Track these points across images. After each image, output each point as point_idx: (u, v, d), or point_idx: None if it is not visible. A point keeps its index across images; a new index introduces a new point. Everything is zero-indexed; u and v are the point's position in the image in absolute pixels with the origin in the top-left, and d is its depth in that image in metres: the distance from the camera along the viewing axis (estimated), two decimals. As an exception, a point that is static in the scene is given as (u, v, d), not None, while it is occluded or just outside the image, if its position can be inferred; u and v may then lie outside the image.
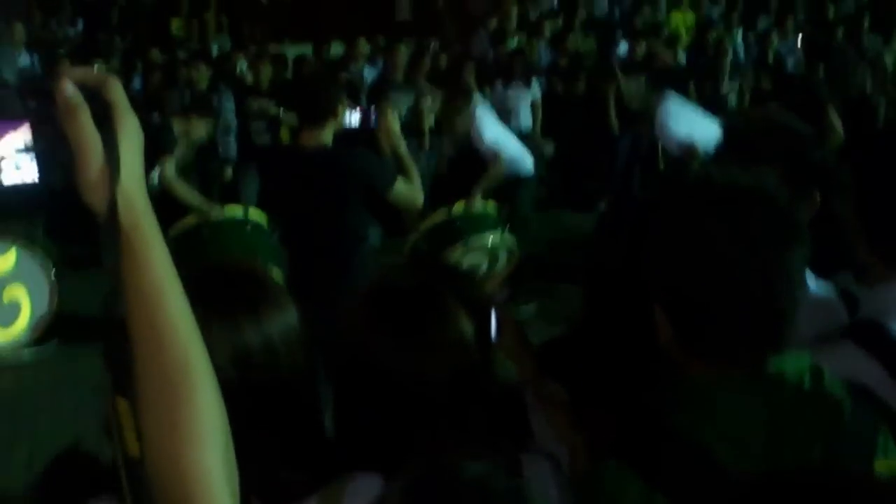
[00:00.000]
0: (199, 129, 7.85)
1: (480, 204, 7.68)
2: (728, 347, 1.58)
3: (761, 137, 2.46)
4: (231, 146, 9.89)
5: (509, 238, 7.63)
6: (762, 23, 15.13)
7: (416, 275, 1.78)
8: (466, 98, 8.36)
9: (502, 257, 7.64)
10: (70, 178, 1.23)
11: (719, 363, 1.59)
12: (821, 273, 2.33)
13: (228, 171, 9.29)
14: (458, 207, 7.57)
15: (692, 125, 8.51)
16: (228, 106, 9.90)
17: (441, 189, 9.12)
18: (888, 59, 12.70)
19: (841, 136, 8.57)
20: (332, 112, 4.74)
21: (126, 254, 1.22)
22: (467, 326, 1.67)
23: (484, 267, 7.54)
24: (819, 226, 2.27)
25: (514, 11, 14.17)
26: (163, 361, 1.21)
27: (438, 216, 7.48)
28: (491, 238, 7.51)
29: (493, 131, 8.34)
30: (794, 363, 1.60)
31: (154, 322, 1.22)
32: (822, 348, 1.85)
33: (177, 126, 7.59)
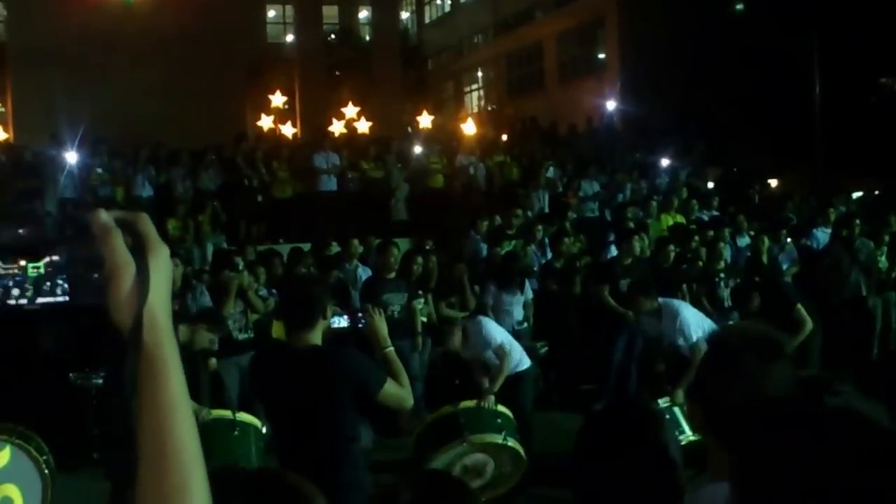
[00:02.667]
0: (204, 340, 7.81)
1: (492, 403, 7.72)
2: None
3: (740, 352, 2.44)
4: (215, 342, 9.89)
5: (514, 443, 7.55)
6: (752, 226, 15.37)
7: (415, 490, 1.77)
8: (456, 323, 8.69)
9: (506, 460, 7.53)
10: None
11: None
12: None
13: (213, 362, 9.27)
14: (467, 403, 7.60)
15: (700, 328, 8.69)
16: (204, 300, 9.91)
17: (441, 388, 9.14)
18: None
19: (807, 328, 9.35)
20: (320, 314, 4.73)
21: (145, 370, 1.31)
22: None
23: (489, 470, 7.44)
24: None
25: (519, 214, 14.47)
26: (166, 478, 1.27)
27: (444, 410, 7.48)
28: (495, 439, 7.43)
29: (499, 333, 8.53)
30: None
31: (163, 438, 1.29)
32: None
33: (182, 332, 7.49)
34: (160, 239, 1.38)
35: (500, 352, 8.22)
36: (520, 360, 8.54)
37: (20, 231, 1.48)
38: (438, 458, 7.32)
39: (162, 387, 1.30)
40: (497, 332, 8.50)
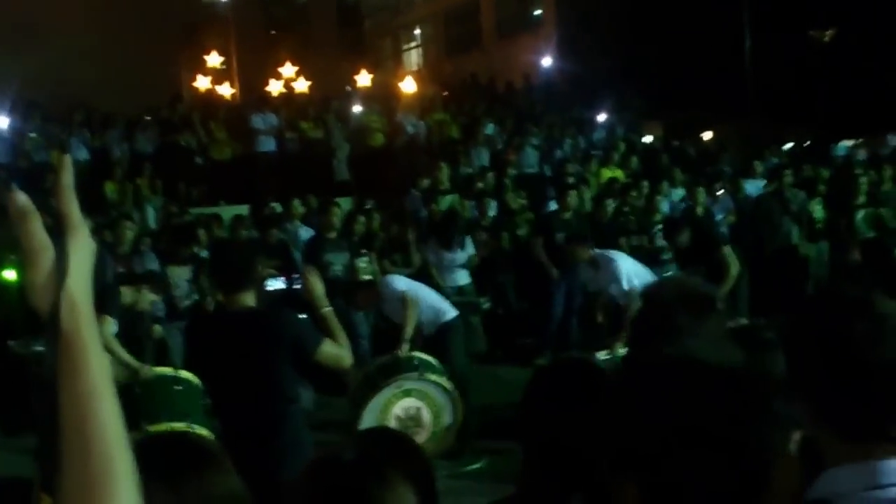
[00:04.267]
0: (146, 301, 8.06)
1: (406, 351, 7.80)
2: None
3: (675, 309, 2.48)
4: (158, 305, 9.87)
5: (436, 377, 7.65)
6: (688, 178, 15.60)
7: (359, 448, 1.76)
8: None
9: (439, 398, 7.61)
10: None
11: None
12: None
13: (157, 328, 9.28)
14: (382, 358, 7.68)
15: (636, 276, 8.85)
16: (151, 263, 9.93)
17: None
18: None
19: (733, 271, 9.49)
20: (252, 276, 4.74)
21: (64, 355, 1.25)
22: (410, 493, 1.66)
23: (425, 416, 7.51)
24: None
25: (446, 171, 14.52)
26: (89, 464, 1.22)
27: (387, 357, 7.56)
28: (410, 376, 7.53)
29: (402, 283, 8.53)
30: None
31: (84, 424, 1.23)
32: None
33: (126, 294, 7.69)
34: (81, 219, 1.32)
35: (405, 300, 8.16)
36: (438, 310, 8.48)
37: None
38: (364, 414, 7.35)
39: (82, 373, 1.25)
40: (399, 284, 8.47)
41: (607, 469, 1.57)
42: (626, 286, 8.72)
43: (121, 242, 9.97)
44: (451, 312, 8.58)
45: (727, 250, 9.84)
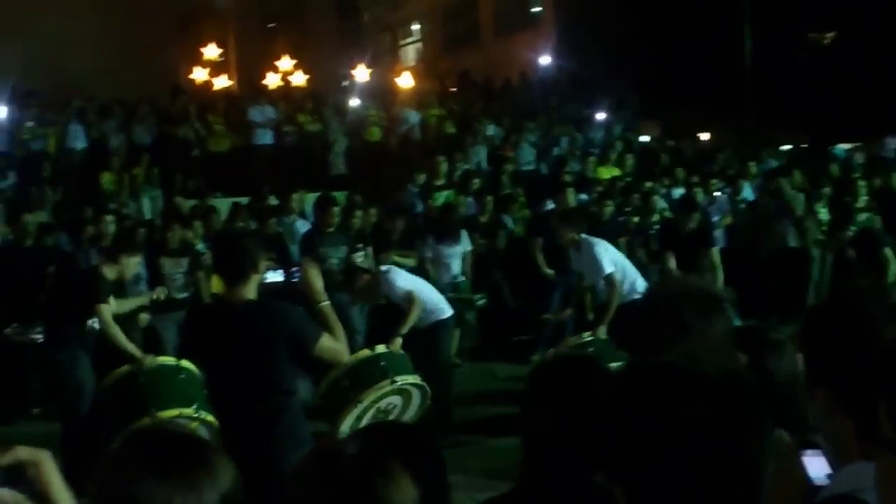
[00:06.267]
0: (132, 266, 8.09)
1: (398, 346, 7.79)
2: None
3: (683, 309, 2.44)
4: (142, 274, 9.89)
5: (422, 382, 7.60)
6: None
7: (364, 441, 1.74)
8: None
9: (415, 398, 7.58)
10: None
11: None
12: None
13: (143, 317, 9.26)
14: (381, 348, 7.58)
15: (615, 264, 8.88)
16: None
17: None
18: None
19: (720, 274, 9.67)
20: (253, 268, 4.71)
21: None
22: (412, 487, 1.65)
23: (398, 409, 7.49)
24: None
25: (444, 167, 14.51)
26: None
27: (362, 354, 7.42)
28: (412, 379, 7.46)
29: (405, 280, 8.52)
30: None
31: None
32: None
33: (108, 271, 7.69)
34: (63, 485, 1.44)
35: (409, 299, 8.19)
36: (435, 308, 8.53)
37: None
38: (364, 398, 7.12)
39: None
40: (404, 281, 8.47)
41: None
42: (606, 270, 8.74)
43: (103, 236, 9.94)
44: (447, 311, 8.64)
45: (715, 252, 10.01)
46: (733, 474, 1.49)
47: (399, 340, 7.85)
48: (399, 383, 7.30)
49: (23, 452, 1.37)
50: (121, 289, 8.30)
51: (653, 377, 1.58)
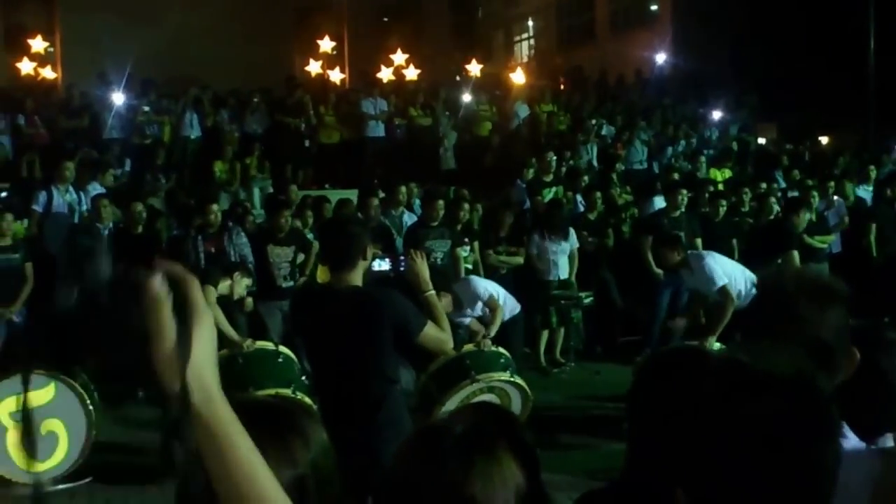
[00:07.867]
0: (242, 286, 8.50)
1: (489, 346, 7.92)
2: None
3: (796, 299, 2.35)
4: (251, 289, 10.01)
5: (520, 380, 7.72)
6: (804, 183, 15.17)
7: (470, 420, 1.73)
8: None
9: (515, 399, 7.64)
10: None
11: None
12: (863, 432, 2.26)
13: (249, 301, 9.35)
14: (468, 347, 7.74)
15: (728, 276, 8.77)
16: (242, 242, 9.99)
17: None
18: None
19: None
20: (360, 254, 4.68)
21: (205, 439, 1.36)
22: (516, 469, 1.63)
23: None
24: (861, 382, 2.25)
25: (553, 163, 14.33)
26: None
27: (448, 356, 7.44)
28: (502, 375, 7.53)
29: (485, 286, 8.94)
30: None
31: (248, 495, 1.36)
32: None
33: (222, 287, 8.12)
34: (206, 307, 1.43)
35: (492, 303, 8.55)
36: (509, 307, 9.05)
37: None
38: (447, 400, 7.40)
39: (228, 453, 1.35)
40: (484, 286, 8.84)
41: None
42: (718, 283, 8.65)
43: (211, 225, 10.06)
44: (517, 308, 9.15)
45: (794, 254, 9.96)
46: (799, 477, 1.44)
47: (489, 342, 8.00)
48: (482, 382, 7.39)
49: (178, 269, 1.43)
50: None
51: (712, 375, 1.55)
